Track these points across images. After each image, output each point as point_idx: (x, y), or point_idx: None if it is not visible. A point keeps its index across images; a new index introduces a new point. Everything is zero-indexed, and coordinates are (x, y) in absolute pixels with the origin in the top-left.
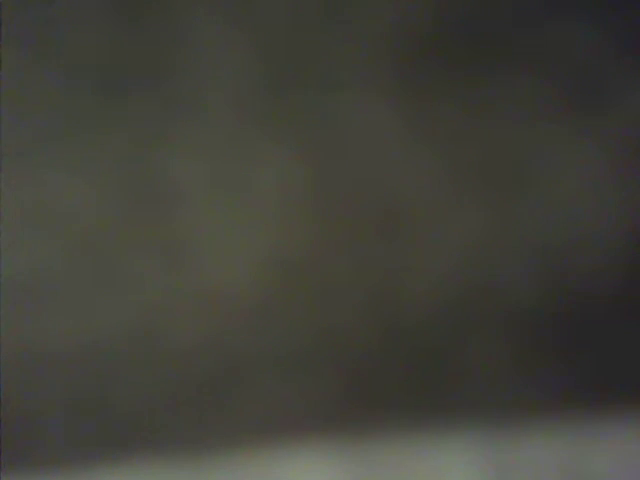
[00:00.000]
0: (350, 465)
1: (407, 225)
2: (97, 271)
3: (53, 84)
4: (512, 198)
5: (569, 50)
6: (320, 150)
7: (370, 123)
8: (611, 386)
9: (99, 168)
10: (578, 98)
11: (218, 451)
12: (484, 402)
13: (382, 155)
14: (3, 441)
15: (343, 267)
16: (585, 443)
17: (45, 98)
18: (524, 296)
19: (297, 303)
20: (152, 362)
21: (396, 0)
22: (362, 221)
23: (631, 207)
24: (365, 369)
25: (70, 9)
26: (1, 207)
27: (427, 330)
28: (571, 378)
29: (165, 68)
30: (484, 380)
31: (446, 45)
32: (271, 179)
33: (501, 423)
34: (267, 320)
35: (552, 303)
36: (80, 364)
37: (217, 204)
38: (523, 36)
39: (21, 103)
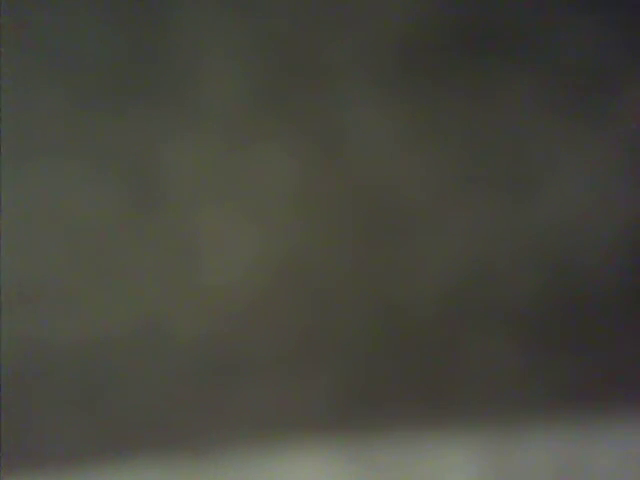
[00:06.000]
0: (349, 464)
1: (406, 223)
2: (97, 269)
3: (53, 85)
4: (514, 194)
5: (574, 47)
6: (319, 149)
7: (370, 121)
8: (614, 384)
9: (100, 167)
10: (581, 96)
11: (217, 450)
12: (485, 401)
13: (382, 153)
14: (3, 441)
15: (343, 265)
16: (586, 442)
17: (45, 98)
18: (527, 294)
19: (296, 301)
20: (151, 361)
21: None
22: (361, 220)
23: (633, 202)
24: (364, 368)
25: (70, 13)
26: (2, 205)
27: (427, 328)
28: (573, 376)
29: (165, 67)
30: (485, 379)
31: (448, 43)
32: (271, 178)
33: (502, 422)
34: (266, 318)
35: (555, 301)
36: (80, 362)
37: (216, 203)
38: (526, 34)
39: (21, 103)
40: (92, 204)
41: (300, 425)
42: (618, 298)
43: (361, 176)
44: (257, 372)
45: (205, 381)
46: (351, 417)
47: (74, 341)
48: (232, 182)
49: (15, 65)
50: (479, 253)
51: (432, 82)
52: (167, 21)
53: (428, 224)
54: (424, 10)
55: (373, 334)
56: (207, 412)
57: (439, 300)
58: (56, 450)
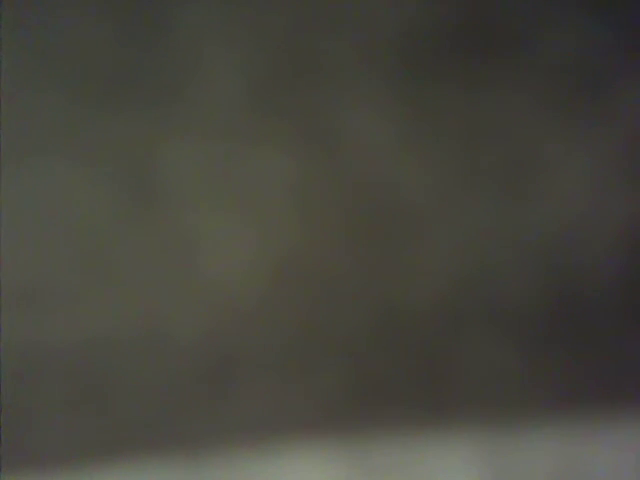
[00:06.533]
0: (348, 464)
1: (404, 223)
2: (96, 269)
3: (52, 84)
4: (513, 194)
5: (574, 47)
6: (317, 149)
7: (368, 121)
8: (613, 384)
9: (99, 167)
10: (581, 96)
11: (216, 450)
12: (483, 401)
13: (380, 153)
14: (3, 441)
15: (341, 265)
16: (586, 442)
17: (45, 97)
18: (526, 294)
19: (294, 301)
20: (151, 361)
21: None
22: (360, 219)
23: (631, 203)
24: (363, 368)
25: (69, 13)
26: (2, 206)
27: (426, 328)
28: (572, 376)
29: (163, 67)
30: (484, 379)
31: (447, 43)
32: (270, 178)
33: (501, 422)
34: (265, 317)
35: (554, 301)
36: (80, 362)
37: (215, 202)
38: (525, 34)
39: (20, 103)
40: (91, 204)
41: (299, 425)
42: (617, 298)
43: (359, 175)
44: (256, 372)
45: (204, 381)
46: (350, 418)
47: (74, 341)
48: (231, 182)
49: (15, 65)
50: (478, 252)
51: (431, 82)
52: (166, 21)
53: (426, 224)
54: (423, 10)
55: (372, 334)
56: (206, 412)
57: (438, 300)
58: (56, 450)
